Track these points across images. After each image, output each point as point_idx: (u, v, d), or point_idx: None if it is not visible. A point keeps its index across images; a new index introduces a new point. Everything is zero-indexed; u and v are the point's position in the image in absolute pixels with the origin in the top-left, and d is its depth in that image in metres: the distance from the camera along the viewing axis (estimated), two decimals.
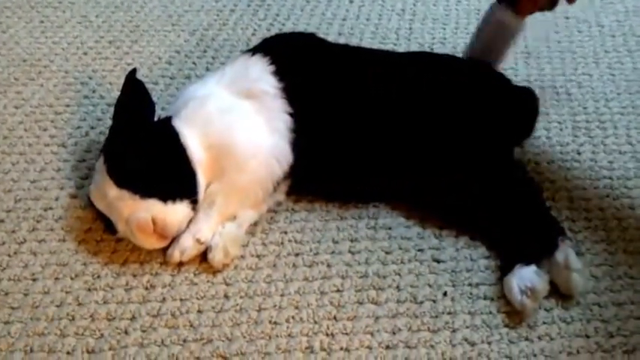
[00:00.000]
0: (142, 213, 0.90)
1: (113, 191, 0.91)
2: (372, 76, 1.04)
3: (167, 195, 0.92)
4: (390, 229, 0.98)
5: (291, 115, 0.99)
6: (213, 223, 0.94)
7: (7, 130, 1.18)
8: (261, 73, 1.02)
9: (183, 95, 1.05)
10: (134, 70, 1.01)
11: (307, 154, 0.99)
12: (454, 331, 0.84)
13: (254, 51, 1.07)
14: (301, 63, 1.06)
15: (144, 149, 0.95)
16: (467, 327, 0.84)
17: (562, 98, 1.25)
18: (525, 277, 0.86)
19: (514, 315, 0.85)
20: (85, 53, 1.40)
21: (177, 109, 1.01)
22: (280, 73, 1.02)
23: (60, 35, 1.47)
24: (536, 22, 1.49)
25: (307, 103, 1.00)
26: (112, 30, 1.49)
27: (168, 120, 0.99)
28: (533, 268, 0.86)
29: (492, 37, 1.10)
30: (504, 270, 0.89)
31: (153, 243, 0.92)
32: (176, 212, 0.92)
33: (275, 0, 1.59)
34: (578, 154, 1.12)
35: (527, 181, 0.95)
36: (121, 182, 0.91)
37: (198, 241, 0.92)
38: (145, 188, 0.91)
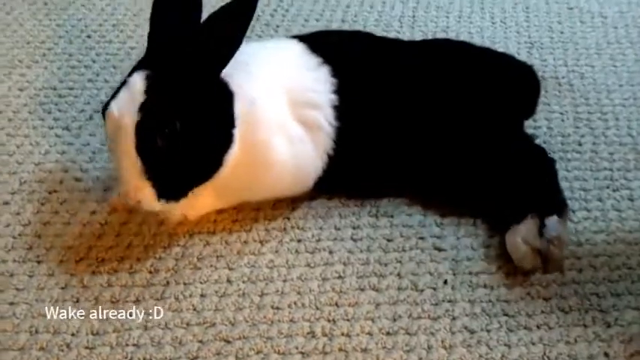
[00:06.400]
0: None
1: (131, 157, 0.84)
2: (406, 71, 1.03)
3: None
4: (391, 216, 0.99)
5: (337, 128, 0.96)
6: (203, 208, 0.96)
7: (11, 113, 1.19)
8: (322, 94, 0.96)
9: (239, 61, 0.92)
10: None
11: (340, 164, 0.98)
12: (454, 318, 0.85)
13: (311, 48, 0.99)
14: (361, 79, 0.99)
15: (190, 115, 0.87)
16: (466, 315, 0.85)
17: (564, 89, 1.26)
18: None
19: (513, 303, 0.86)
20: (89, 36, 1.40)
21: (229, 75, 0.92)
22: (340, 92, 0.96)
23: (64, 18, 1.46)
24: (539, 13, 1.50)
25: (354, 119, 0.97)
26: (116, 13, 1.49)
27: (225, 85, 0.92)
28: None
29: None
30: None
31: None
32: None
33: None
34: (579, 145, 1.12)
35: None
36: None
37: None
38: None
